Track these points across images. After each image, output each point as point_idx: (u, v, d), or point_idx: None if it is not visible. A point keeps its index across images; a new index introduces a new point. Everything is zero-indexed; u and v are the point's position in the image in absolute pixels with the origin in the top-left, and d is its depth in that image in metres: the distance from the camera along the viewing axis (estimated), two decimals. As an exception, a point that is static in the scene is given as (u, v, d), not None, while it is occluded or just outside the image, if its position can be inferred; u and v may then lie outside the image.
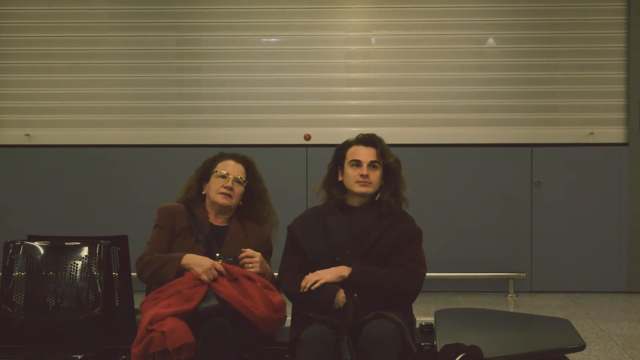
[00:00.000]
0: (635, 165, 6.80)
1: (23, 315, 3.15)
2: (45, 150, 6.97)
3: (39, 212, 6.90)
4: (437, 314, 3.55)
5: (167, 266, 3.16)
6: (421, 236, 3.29)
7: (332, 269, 3.13)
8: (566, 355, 3.08)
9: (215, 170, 3.40)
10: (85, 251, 3.22)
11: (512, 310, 6.07)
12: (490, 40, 6.95)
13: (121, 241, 3.36)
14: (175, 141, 6.94)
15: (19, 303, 3.15)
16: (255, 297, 3.05)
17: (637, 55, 6.76)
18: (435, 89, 6.91)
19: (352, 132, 3.45)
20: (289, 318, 3.27)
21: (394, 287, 3.13)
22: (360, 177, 3.25)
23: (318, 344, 2.90)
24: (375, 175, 3.27)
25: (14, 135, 7.00)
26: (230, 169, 3.39)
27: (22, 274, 3.19)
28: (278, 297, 3.13)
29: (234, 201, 3.37)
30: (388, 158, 3.29)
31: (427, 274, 3.26)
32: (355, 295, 3.09)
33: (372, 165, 3.27)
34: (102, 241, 3.25)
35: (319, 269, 3.15)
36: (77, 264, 3.19)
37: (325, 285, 3.08)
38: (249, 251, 3.26)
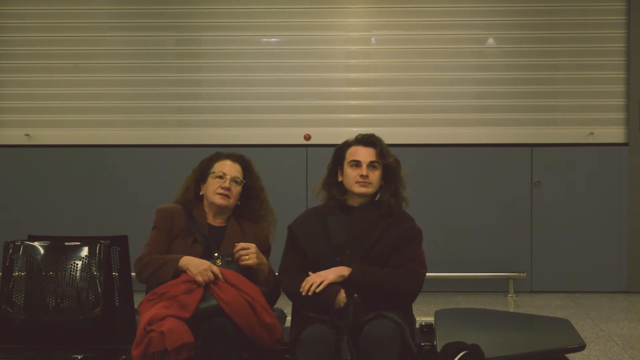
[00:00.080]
0: (635, 165, 6.80)
1: (23, 315, 3.15)
2: (45, 150, 6.97)
3: (39, 212, 6.90)
4: (437, 314, 3.55)
5: (164, 267, 3.16)
6: (421, 236, 3.29)
7: (333, 269, 3.12)
8: (566, 355, 3.08)
9: (212, 171, 3.39)
10: (85, 251, 3.22)
11: (512, 310, 6.07)
12: (490, 40, 6.95)
13: (121, 241, 3.36)
14: (175, 141, 6.94)
15: (19, 303, 3.15)
16: (252, 312, 3.04)
17: (637, 55, 6.76)
18: (435, 89, 6.91)
19: (352, 132, 3.45)
20: (288, 318, 3.27)
21: (394, 287, 3.13)
22: (360, 177, 3.24)
23: (318, 344, 2.90)
24: (375, 176, 3.27)
25: (14, 135, 7.00)
26: (228, 169, 3.38)
27: (22, 274, 3.19)
28: (273, 319, 3.11)
29: (231, 201, 3.36)
30: (387, 158, 3.28)
31: (427, 274, 3.26)
32: (356, 295, 3.09)
33: (371, 165, 3.26)
34: (102, 241, 3.25)
35: (319, 269, 3.14)
36: (77, 264, 3.19)
37: (327, 285, 3.08)
38: (243, 243, 3.23)
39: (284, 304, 3.54)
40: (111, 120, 6.98)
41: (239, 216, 3.43)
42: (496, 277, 6.73)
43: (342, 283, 3.11)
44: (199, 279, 3.07)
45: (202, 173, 3.43)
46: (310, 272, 3.14)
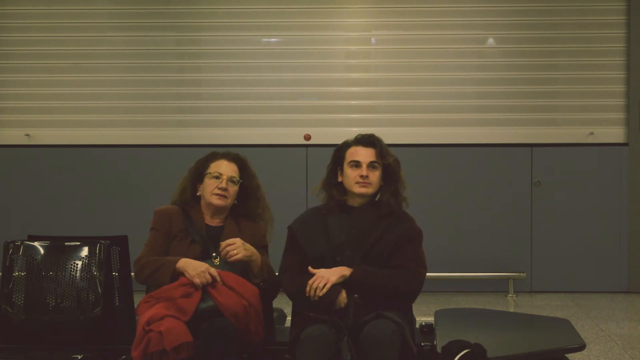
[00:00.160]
0: (635, 165, 6.80)
1: (23, 315, 3.15)
2: (45, 150, 6.97)
3: (39, 212, 6.91)
4: (437, 314, 3.55)
5: (162, 269, 3.15)
6: (421, 236, 3.29)
7: (334, 269, 3.12)
8: (566, 355, 3.08)
9: (208, 171, 3.37)
10: (85, 251, 3.22)
11: (512, 310, 6.07)
12: (490, 40, 6.95)
13: (121, 241, 3.36)
14: (175, 141, 6.94)
15: (19, 303, 3.15)
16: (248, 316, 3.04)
17: (637, 55, 6.76)
18: (435, 89, 6.91)
19: (352, 132, 3.44)
20: (289, 318, 3.26)
21: (394, 287, 3.13)
22: (360, 177, 3.24)
23: (318, 344, 2.90)
24: (375, 176, 3.27)
25: (14, 135, 7.00)
26: (224, 169, 3.36)
27: (22, 274, 3.19)
28: (259, 326, 3.10)
29: (229, 201, 3.35)
30: (387, 158, 3.28)
31: (427, 274, 3.26)
32: (356, 295, 3.09)
33: (371, 165, 3.26)
34: (102, 241, 3.25)
35: (320, 268, 3.13)
36: (77, 264, 3.19)
37: (323, 278, 3.07)
38: (227, 240, 3.19)
39: (284, 304, 3.54)
40: (111, 120, 6.98)
41: (237, 215, 3.41)
42: (496, 277, 6.73)
43: (343, 283, 3.10)
44: (197, 281, 3.07)
45: (198, 173, 3.42)
46: (309, 268, 3.13)
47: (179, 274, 3.13)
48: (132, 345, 2.92)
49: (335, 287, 3.08)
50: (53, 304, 3.14)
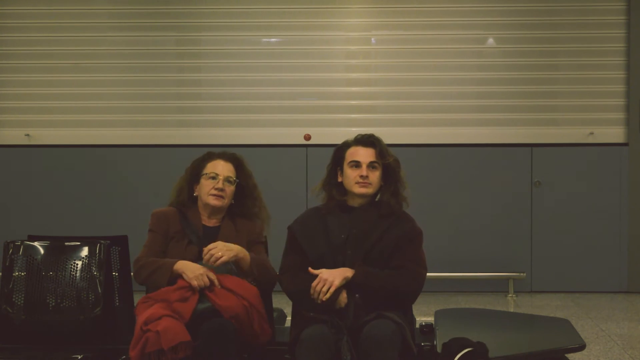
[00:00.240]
0: (635, 165, 6.80)
1: (23, 315, 3.15)
2: (45, 150, 6.97)
3: (39, 212, 6.90)
4: (437, 314, 3.55)
5: (159, 271, 3.14)
6: (422, 237, 3.28)
7: (336, 271, 3.10)
8: (566, 355, 3.08)
9: (204, 172, 3.37)
10: (85, 251, 3.22)
11: (512, 310, 6.07)
12: (490, 40, 6.95)
13: (121, 241, 3.36)
14: (175, 141, 6.94)
15: (19, 303, 3.15)
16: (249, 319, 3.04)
17: (637, 55, 6.76)
18: (435, 89, 6.91)
19: (352, 132, 3.44)
20: (289, 318, 3.26)
21: (395, 288, 3.12)
22: (360, 178, 3.23)
23: (318, 344, 2.90)
24: (375, 176, 3.27)
25: (14, 135, 7.00)
26: (220, 169, 3.36)
27: (22, 274, 3.19)
28: (264, 325, 3.10)
29: (226, 201, 3.35)
30: (387, 158, 3.27)
31: (427, 274, 3.25)
32: (357, 295, 3.09)
33: (371, 165, 3.26)
34: (102, 241, 3.25)
35: (320, 268, 3.12)
36: (77, 264, 3.19)
37: (327, 281, 3.07)
38: (209, 246, 3.15)
39: (284, 304, 3.54)
40: (111, 120, 6.98)
41: (233, 215, 3.41)
42: (496, 277, 6.73)
43: (344, 284, 3.10)
44: (195, 283, 3.06)
45: (194, 174, 3.41)
46: (310, 269, 3.11)
47: (176, 276, 3.12)
48: (130, 345, 2.92)
49: (337, 288, 3.07)
50: (53, 304, 3.14)
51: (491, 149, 6.88)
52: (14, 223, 6.78)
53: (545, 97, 6.88)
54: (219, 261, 3.11)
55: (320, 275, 3.07)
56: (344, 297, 3.08)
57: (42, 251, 3.22)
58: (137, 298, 3.24)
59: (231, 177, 3.36)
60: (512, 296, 6.61)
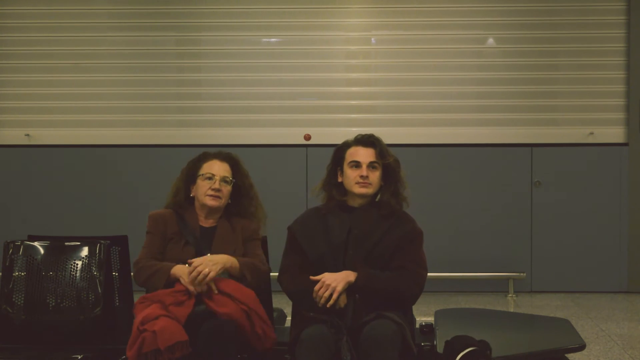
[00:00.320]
0: (635, 165, 6.80)
1: (23, 315, 3.15)
2: (45, 150, 6.97)
3: (39, 212, 6.90)
4: (437, 314, 3.55)
5: (157, 275, 3.13)
6: (422, 237, 3.28)
7: (339, 275, 3.08)
8: (566, 355, 3.08)
9: (200, 172, 3.36)
10: (85, 251, 3.22)
11: (512, 310, 6.07)
12: (490, 40, 6.95)
13: (121, 241, 3.36)
14: (175, 141, 6.94)
15: (19, 303, 3.15)
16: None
17: (637, 55, 6.76)
18: (435, 89, 6.91)
19: (352, 132, 3.43)
20: (289, 318, 3.26)
21: (395, 290, 3.12)
22: (360, 178, 3.23)
23: (318, 344, 2.90)
24: (375, 176, 3.26)
25: (14, 135, 7.00)
26: (217, 169, 3.35)
27: (22, 274, 3.19)
28: (267, 328, 3.09)
29: (222, 201, 3.34)
30: (387, 158, 3.27)
31: (428, 274, 3.25)
32: (357, 295, 3.09)
33: (371, 165, 3.25)
34: (102, 241, 3.26)
35: (320, 269, 3.12)
36: (77, 264, 3.19)
37: (330, 287, 3.06)
38: (192, 265, 3.06)
39: (284, 304, 3.54)
40: (111, 120, 6.98)
41: (230, 214, 3.40)
42: (496, 277, 6.73)
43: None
44: (192, 288, 3.06)
45: (190, 175, 3.40)
46: (311, 277, 3.09)
47: (174, 280, 3.11)
48: (127, 345, 2.92)
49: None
50: (53, 304, 3.14)
51: (491, 149, 6.88)
52: (14, 223, 6.78)
53: (545, 97, 6.88)
54: (208, 278, 3.06)
55: (322, 279, 3.06)
56: (343, 297, 3.08)
57: (42, 251, 3.22)
58: (137, 298, 3.24)
59: (227, 177, 3.36)
60: (512, 296, 6.61)
